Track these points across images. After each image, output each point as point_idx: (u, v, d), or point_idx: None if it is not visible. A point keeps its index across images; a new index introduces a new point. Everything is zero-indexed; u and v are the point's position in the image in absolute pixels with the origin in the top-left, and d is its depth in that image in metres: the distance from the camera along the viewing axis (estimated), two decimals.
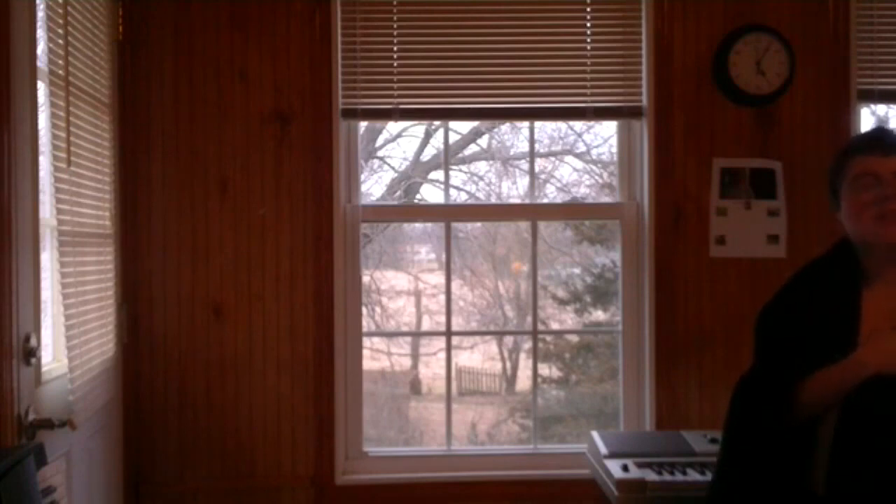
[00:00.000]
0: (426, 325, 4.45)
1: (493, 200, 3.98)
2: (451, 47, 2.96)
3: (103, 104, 2.56)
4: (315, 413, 2.88)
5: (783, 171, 2.96)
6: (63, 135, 2.15)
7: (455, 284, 3.35)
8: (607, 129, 3.51)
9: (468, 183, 4.14)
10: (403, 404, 4.44)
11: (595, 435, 2.64)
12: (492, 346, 4.68)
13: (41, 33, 2.10)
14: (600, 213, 3.26)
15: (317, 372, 2.89)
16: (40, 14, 2.09)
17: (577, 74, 2.98)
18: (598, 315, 3.95)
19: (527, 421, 4.11)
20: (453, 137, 3.83)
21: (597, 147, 3.81)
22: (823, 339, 1.68)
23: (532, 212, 3.17)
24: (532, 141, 3.24)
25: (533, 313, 3.14)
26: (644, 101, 2.98)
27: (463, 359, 4.59)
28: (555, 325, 3.98)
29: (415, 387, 4.51)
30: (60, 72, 2.15)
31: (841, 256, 1.76)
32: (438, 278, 3.77)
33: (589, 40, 2.99)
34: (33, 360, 1.98)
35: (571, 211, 3.47)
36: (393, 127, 3.90)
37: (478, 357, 4.72)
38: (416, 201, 4.02)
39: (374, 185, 4.12)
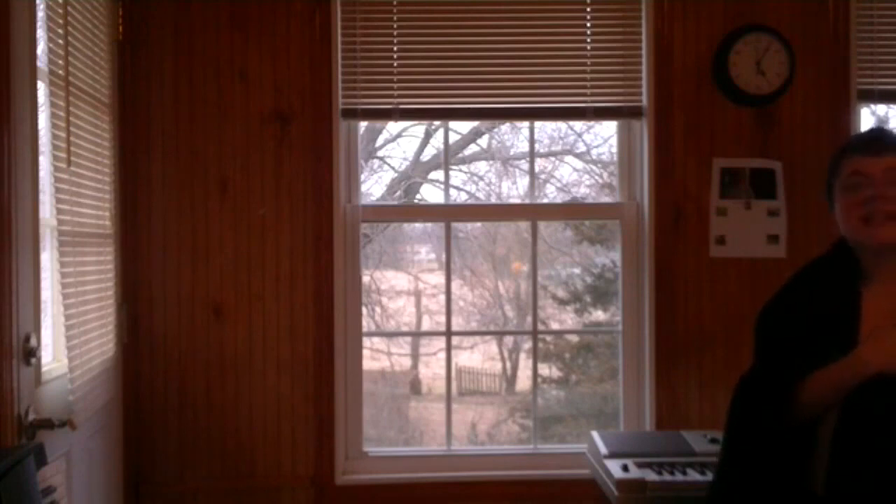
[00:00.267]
0: (426, 325, 4.45)
1: (493, 200, 3.98)
2: (451, 47, 2.96)
3: (103, 104, 2.56)
4: (315, 413, 2.88)
5: (783, 171, 2.96)
6: (63, 135, 2.15)
7: (455, 284, 3.35)
8: (607, 129, 3.52)
9: (468, 183, 4.14)
10: (403, 404, 4.44)
11: (595, 435, 2.64)
12: (492, 346, 4.68)
13: (41, 33, 2.10)
14: (600, 213, 3.26)
15: (317, 372, 2.89)
16: (40, 14, 2.09)
17: (577, 74, 2.98)
18: (598, 315, 3.95)
19: (527, 421, 4.12)
20: (453, 137, 3.84)
21: (597, 147, 3.82)
22: (824, 339, 1.68)
23: (532, 212, 3.17)
24: (532, 141, 3.24)
25: (533, 313, 3.14)
26: (644, 101, 2.98)
27: (463, 359, 4.59)
28: (555, 325, 3.98)
29: (415, 387, 4.51)
30: (60, 72, 2.15)
31: (840, 256, 1.76)
32: (438, 278, 3.77)
33: (589, 40, 2.99)
34: (33, 360, 1.98)
35: (571, 211, 3.47)
36: (393, 127, 3.90)
37: (478, 357, 4.72)
38: (416, 201, 4.02)
39: (374, 185, 4.12)
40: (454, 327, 3.16)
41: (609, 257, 3.74)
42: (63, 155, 2.14)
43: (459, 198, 3.90)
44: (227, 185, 2.87)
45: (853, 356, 1.62)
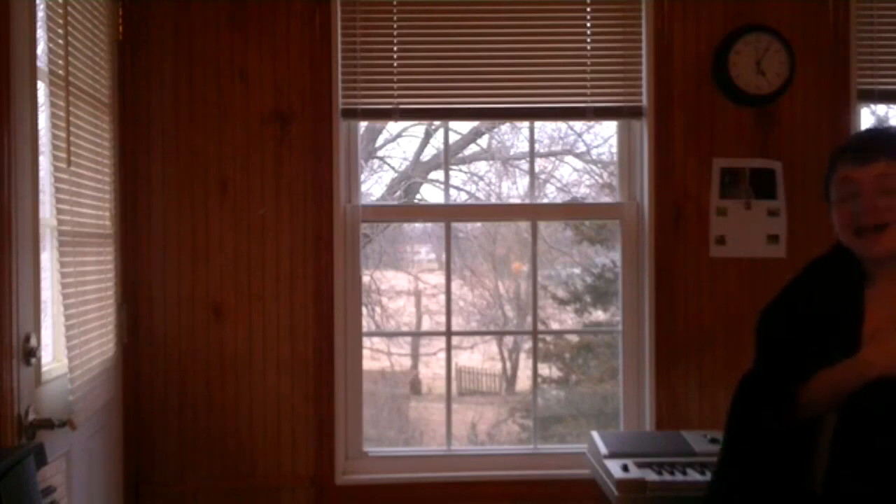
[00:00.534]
0: (426, 325, 4.45)
1: (493, 200, 3.98)
2: (451, 47, 2.96)
3: (103, 104, 2.56)
4: (315, 413, 2.88)
5: (783, 171, 2.96)
6: (63, 135, 2.15)
7: (455, 284, 3.35)
8: (607, 129, 3.52)
9: (468, 183, 4.14)
10: (403, 404, 4.44)
11: (595, 435, 2.64)
12: (492, 346, 4.68)
13: (41, 33, 2.10)
14: (600, 213, 3.26)
15: (317, 372, 2.89)
16: (40, 14, 2.09)
17: (577, 74, 2.98)
18: (598, 315, 3.95)
19: (527, 421, 4.12)
20: (453, 137, 3.84)
21: (597, 147, 3.82)
22: (825, 340, 1.68)
23: (532, 212, 3.17)
24: (532, 141, 3.24)
25: (533, 313, 3.14)
26: (644, 101, 2.98)
27: (463, 359, 4.59)
28: (555, 325, 3.98)
29: (415, 387, 4.51)
30: (60, 72, 2.15)
31: (842, 256, 1.76)
32: (438, 278, 3.77)
33: (589, 40, 2.99)
34: (33, 360, 1.98)
35: (571, 211, 3.47)
36: (393, 127, 3.90)
37: (478, 357, 4.72)
38: (416, 201, 4.02)
39: (374, 185, 4.12)
40: (454, 327, 3.16)
41: (609, 257, 3.74)
42: (63, 155, 2.14)
43: (459, 198, 3.90)
44: (227, 185, 2.87)
45: (856, 358, 1.61)
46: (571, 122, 3.69)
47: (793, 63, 2.92)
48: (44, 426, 1.98)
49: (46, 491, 1.96)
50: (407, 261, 4.33)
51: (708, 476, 2.27)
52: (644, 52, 2.97)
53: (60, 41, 2.15)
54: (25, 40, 1.99)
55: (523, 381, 4.56)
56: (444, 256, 3.17)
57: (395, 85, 2.95)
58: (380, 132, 4.02)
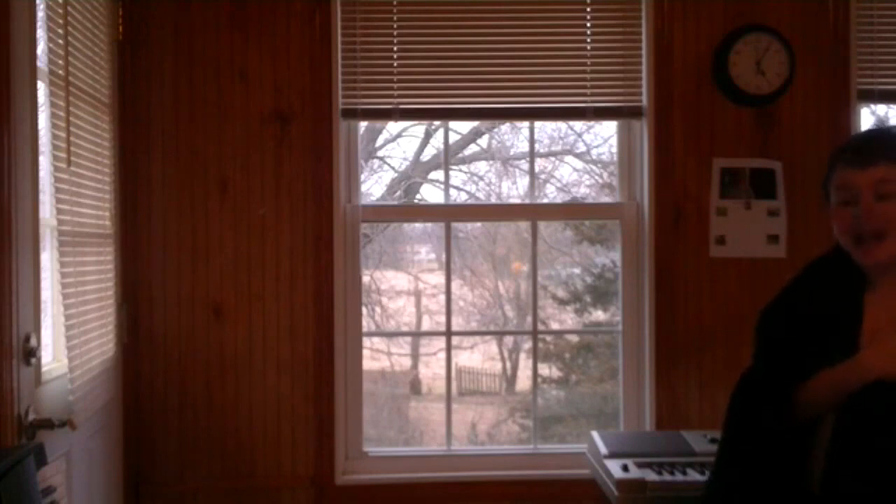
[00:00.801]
0: (426, 325, 4.45)
1: (493, 200, 3.98)
2: (451, 47, 2.96)
3: (103, 104, 2.56)
4: (315, 413, 2.88)
5: (783, 171, 2.96)
6: (63, 135, 2.15)
7: (455, 284, 3.35)
8: (607, 129, 3.51)
9: (468, 183, 4.14)
10: (403, 404, 4.44)
11: (595, 435, 2.64)
12: (492, 346, 4.68)
13: (41, 33, 2.10)
14: (600, 213, 3.26)
15: (317, 372, 2.89)
16: (40, 14, 2.09)
17: (577, 74, 2.98)
18: (598, 315, 3.95)
19: (527, 421, 4.12)
20: (453, 137, 3.84)
21: (597, 147, 3.82)
22: (825, 340, 1.68)
23: (532, 212, 3.17)
24: (532, 141, 3.24)
25: (533, 313, 3.14)
26: (644, 101, 2.98)
27: (463, 359, 4.59)
28: (555, 325, 3.98)
29: (415, 387, 4.51)
30: (60, 72, 2.15)
31: (842, 257, 1.76)
32: (438, 278, 3.77)
33: (589, 40, 2.99)
34: (33, 360, 1.98)
35: (571, 211, 3.47)
36: (393, 127, 3.90)
37: (478, 357, 4.72)
38: (416, 201, 4.02)
39: (374, 185, 4.12)
40: (454, 327, 3.16)
41: (609, 257, 3.74)
42: (63, 155, 2.14)
43: (459, 198, 3.90)
44: (227, 185, 2.87)
45: (855, 360, 1.61)
46: (571, 122, 3.69)
47: (793, 63, 2.92)
48: (44, 426, 1.98)
49: (46, 491, 1.96)
50: (407, 261, 4.33)
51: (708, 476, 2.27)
52: (644, 52, 2.97)
53: (60, 41, 2.15)
54: (25, 40, 1.99)
55: (523, 381, 4.56)
56: (444, 256, 3.17)
57: (395, 85, 2.95)
58: (380, 132, 4.02)
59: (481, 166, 4.10)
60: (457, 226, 3.59)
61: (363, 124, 3.18)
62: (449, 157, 3.29)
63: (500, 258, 4.22)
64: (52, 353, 2.28)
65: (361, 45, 2.94)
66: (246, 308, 2.88)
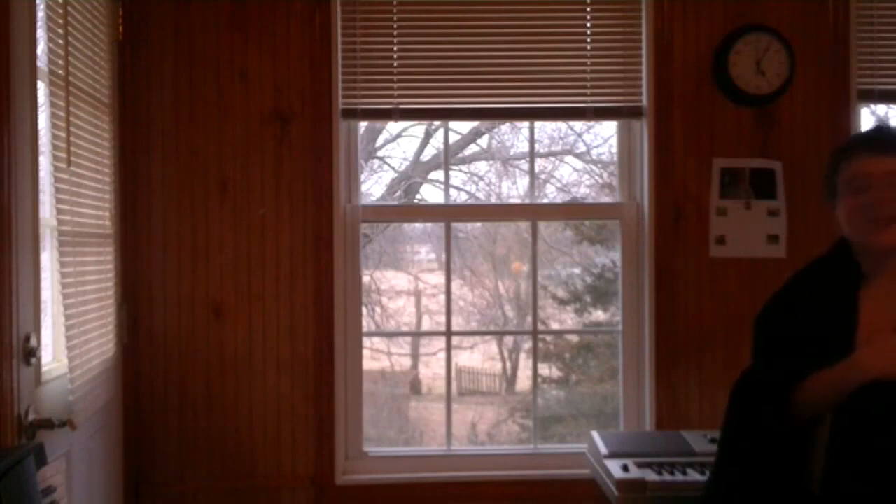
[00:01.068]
0: (426, 325, 4.45)
1: (493, 200, 3.98)
2: (451, 47, 2.96)
3: (103, 104, 2.56)
4: (315, 413, 2.88)
5: (783, 171, 2.96)
6: (63, 135, 2.15)
7: (455, 284, 3.35)
8: (607, 129, 3.51)
9: (468, 183, 4.14)
10: (403, 404, 4.44)
11: (595, 435, 2.64)
12: (492, 346, 4.68)
13: (41, 33, 2.10)
14: (600, 213, 3.26)
15: (317, 372, 2.89)
16: (40, 14, 2.09)
17: (577, 74, 2.98)
18: (598, 315, 3.95)
19: (527, 421, 4.12)
20: (453, 137, 3.83)
21: (597, 147, 3.82)
22: (821, 340, 1.68)
23: (532, 212, 3.17)
24: (532, 141, 3.24)
25: (533, 313, 3.14)
26: (644, 101, 2.98)
27: (463, 359, 4.59)
28: (555, 325, 3.98)
29: (415, 387, 4.51)
30: (60, 72, 2.15)
31: (839, 256, 1.76)
32: (438, 278, 3.77)
33: (589, 40, 2.99)
34: (33, 360, 1.98)
35: (571, 211, 3.47)
36: (393, 127, 3.90)
37: (478, 357, 4.72)
38: (416, 201, 4.02)
39: (374, 185, 4.12)
40: (454, 327, 3.16)
41: (609, 257, 3.74)
42: (63, 155, 2.14)
43: (459, 198, 3.90)
44: (227, 185, 2.87)
45: (852, 360, 1.61)
46: (571, 122, 3.69)
47: (793, 63, 2.92)
48: (44, 426, 1.98)
49: (46, 491, 1.96)
50: (407, 261, 4.33)
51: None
52: (644, 52, 2.97)
53: (60, 41, 2.15)
54: (25, 40, 1.99)
55: (523, 381, 4.56)
56: (444, 256, 3.17)
57: (395, 85, 2.95)
58: (380, 132, 4.02)
59: (481, 166, 4.10)
60: (457, 226, 3.59)
61: (363, 124, 3.18)
62: (449, 157, 3.29)
63: (500, 258, 4.22)
64: (52, 353, 2.28)
65: (361, 45, 2.94)
66: (246, 308, 2.88)
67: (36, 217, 2.05)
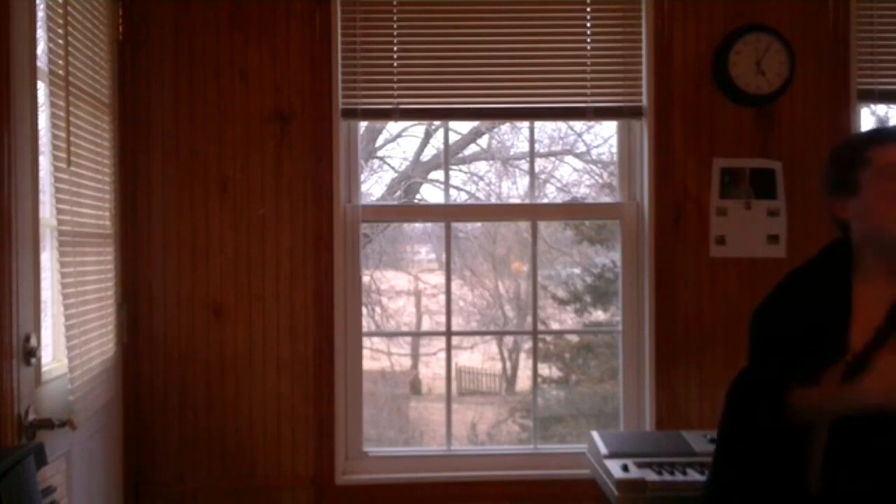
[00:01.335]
0: (426, 325, 4.45)
1: (493, 200, 3.98)
2: (451, 47, 2.96)
3: (103, 104, 2.56)
4: (315, 413, 2.88)
5: (783, 171, 2.96)
6: (63, 135, 2.15)
7: (455, 284, 3.35)
8: (607, 129, 3.51)
9: (468, 183, 4.14)
10: (403, 404, 4.44)
11: (595, 435, 2.64)
12: (492, 346, 4.68)
13: (41, 33, 2.10)
14: (600, 213, 3.26)
15: (317, 372, 2.89)
16: (40, 14, 2.09)
17: (577, 74, 2.98)
18: (598, 315, 3.95)
19: (527, 421, 4.12)
20: (453, 137, 3.83)
21: (597, 147, 3.82)
22: (815, 339, 1.67)
23: (532, 212, 3.17)
24: (532, 141, 3.24)
25: (533, 313, 3.14)
26: (644, 101, 2.98)
27: (463, 359, 4.59)
28: (555, 325, 3.98)
29: (415, 387, 4.51)
30: (60, 72, 2.15)
31: (834, 256, 1.76)
32: (438, 278, 3.77)
33: (589, 40, 2.99)
34: (33, 360, 1.98)
35: (571, 211, 3.47)
36: (393, 127, 3.90)
37: (478, 357, 4.72)
38: (416, 201, 4.02)
39: (374, 185, 4.12)
40: (454, 327, 3.16)
41: (609, 257, 3.74)
42: (63, 155, 2.14)
43: (459, 198, 3.90)
44: (227, 185, 2.87)
45: (856, 385, 1.57)
46: (571, 122, 3.69)
47: (793, 63, 2.92)
48: (44, 426, 1.98)
49: (46, 491, 1.96)
50: (407, 261, 4.33)
51: None
52: (644, 52, 2.97)
53: (60, 41, 2.15)
54: (25, 40, 1.99)
55: (523, 381, 4.56)
56: (444, 256, 3.17)
57: (395, 85, 2.95)
58: (380, 132, 4.02)
59: (481, 166, 4.10)
60: (457, 226, 3.59)
61: (363, 124, 3.18)
62: (449, 157, 3.29)
63: (500, 258, 4.22)
64: (52, 353, 2.28)
65: (361, 45, 2.94)
66: (246, 308, 2.88)
67: (36, 217, 2.05)
